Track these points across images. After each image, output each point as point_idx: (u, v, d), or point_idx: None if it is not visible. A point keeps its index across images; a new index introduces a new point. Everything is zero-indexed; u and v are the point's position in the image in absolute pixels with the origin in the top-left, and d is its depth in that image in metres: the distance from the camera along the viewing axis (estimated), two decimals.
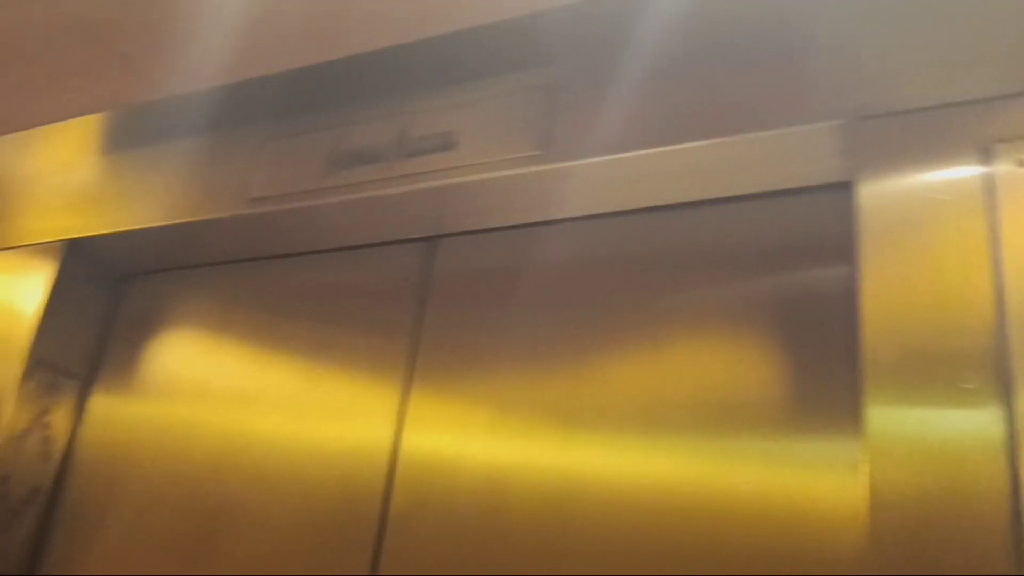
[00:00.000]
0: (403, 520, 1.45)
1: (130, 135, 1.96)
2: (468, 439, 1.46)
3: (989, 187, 1.10)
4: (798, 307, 1.31)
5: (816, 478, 1.20)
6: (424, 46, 1.54)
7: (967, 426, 1.00)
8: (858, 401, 1.10)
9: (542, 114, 1.47)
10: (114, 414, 1.85)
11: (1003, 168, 1.11)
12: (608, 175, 1.41)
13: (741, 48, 1.35)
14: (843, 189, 1.25)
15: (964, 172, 1.13)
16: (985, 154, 1.12)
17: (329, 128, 1.68)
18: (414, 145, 1.57)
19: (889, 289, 1.11)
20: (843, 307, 1.25)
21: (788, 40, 1.32)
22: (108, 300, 1.97)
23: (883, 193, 1.16)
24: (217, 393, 1.75)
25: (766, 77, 1.31)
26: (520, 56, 1.54)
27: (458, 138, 1.53)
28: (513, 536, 1.35)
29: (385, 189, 1.56)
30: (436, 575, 1.38)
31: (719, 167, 1.35)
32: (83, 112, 1.93)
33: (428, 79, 1.62)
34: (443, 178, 1.51)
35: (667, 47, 1.39)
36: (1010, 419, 0.99)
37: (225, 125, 1.81)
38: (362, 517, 1.48)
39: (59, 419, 1.81)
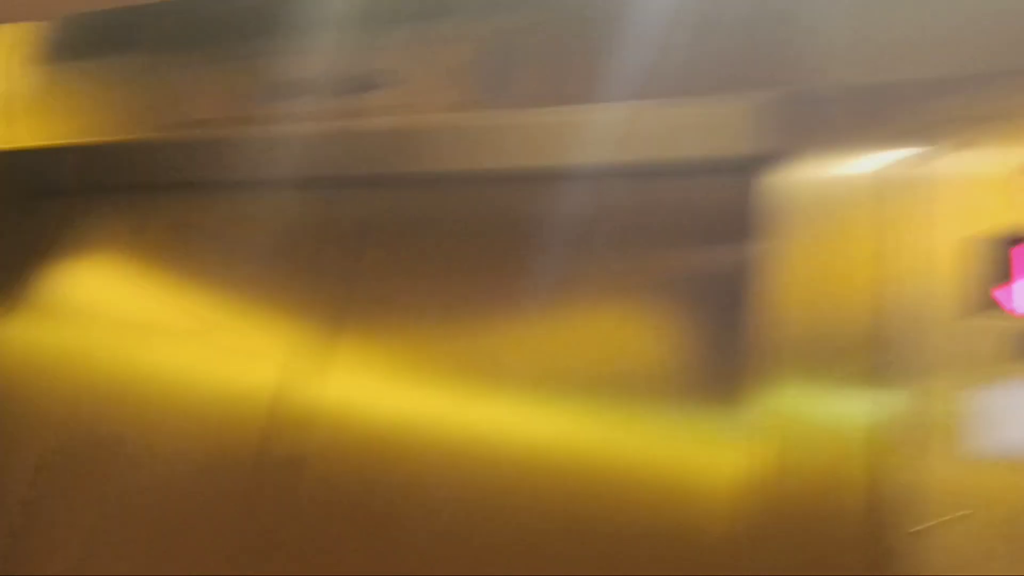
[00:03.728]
0: (281, 470, 1.42)
1: (66, 47, 1.89)
2: (365, 390, 1.43)
3: (912, 174, 1.07)
4: (702, 282, 1.28)
5: (700, 449, 1.19)
6: None
7: (838, 411, 0.99)
8: (744, 379, 1.09)
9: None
10: (9, 333, 1.78)
11: (931, 154, 1.07)
12: (523, 129, 1.36)
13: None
14: (759, 165, 1.20)
15: (883, 158, 1.09)
16: (910, 139, 1.09)
17: (257, 57, 1.61)
18: (341, 84, 1.51)
19: (784, 271, 1.09)
20: (742, 286, 1.22)
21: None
22: (19, 219, 1.89)
23: (796, 174, 1.13)
24: (112, 322, 1.69)
25: (692, 44, 1.26)
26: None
27: (377, 80, 1.47)
28: (407, 484, 1.33)
29: (299, 126, 1.50)
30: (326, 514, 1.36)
31: (638, 131, 1.31)
32: (18, 18, 1.86)
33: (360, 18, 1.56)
34: (363, 117, 1.46)
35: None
36: (878, 408, 0.97)
37: (155, 45, 1.74)
38: (241, 459, 1.45)
39: None
